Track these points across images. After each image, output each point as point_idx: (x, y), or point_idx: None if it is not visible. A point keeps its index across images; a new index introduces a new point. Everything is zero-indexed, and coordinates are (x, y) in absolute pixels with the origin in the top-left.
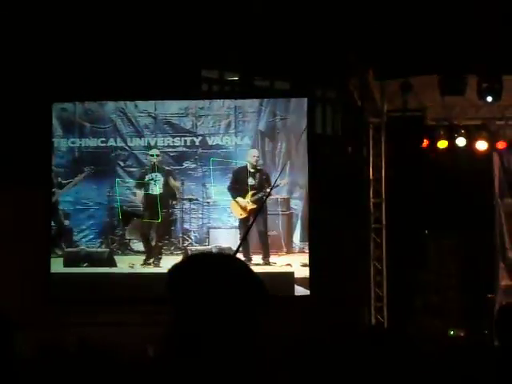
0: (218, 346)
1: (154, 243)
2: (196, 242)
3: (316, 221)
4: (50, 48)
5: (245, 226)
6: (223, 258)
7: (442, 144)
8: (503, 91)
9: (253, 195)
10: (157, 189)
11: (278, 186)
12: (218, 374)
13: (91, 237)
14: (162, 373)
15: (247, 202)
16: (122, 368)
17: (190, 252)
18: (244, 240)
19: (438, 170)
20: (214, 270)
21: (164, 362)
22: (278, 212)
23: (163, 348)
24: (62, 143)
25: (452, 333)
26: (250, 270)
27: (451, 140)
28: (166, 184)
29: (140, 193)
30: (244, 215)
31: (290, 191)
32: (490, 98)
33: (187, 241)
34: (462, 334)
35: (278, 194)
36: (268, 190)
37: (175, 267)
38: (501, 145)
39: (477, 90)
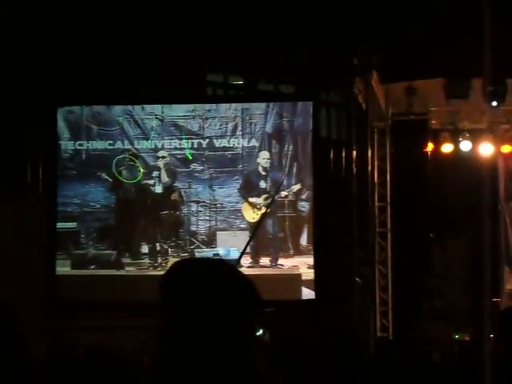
0: (210, 352)
1: (160, 245)
2: (203, 245)
3: (321, 223)
4: (57, 52)
5: (254, 228)
6: (212, 264)
7: (447, 148)
8: (508, 95)
9: (265, 199)
10: (162, 190)
11: (290, 190)
12: (211, 380)
13: (99, 239)
14: (154, 380)
15: (260, 205)
16: (127, 373)
17: (197, 254)
18: (251, 242)
19: (442, 173)
20: (203, 277)
21: (157, 370)
22: (285, 214)
23: (156, 355)
24: (68, 146)
25: (457, 337)
26: (241, 275)
27: (456, 144)
28: (172, 186)
29: (147, 195)
30: (256, 219)
31: (298, 193)
32: (494, 102)
33: (194, 243)
34: (467, 338)
35: (286, 197)
36: (280, 193)
37: (166, 275)
38: (505, 148)
39: (482, 94)
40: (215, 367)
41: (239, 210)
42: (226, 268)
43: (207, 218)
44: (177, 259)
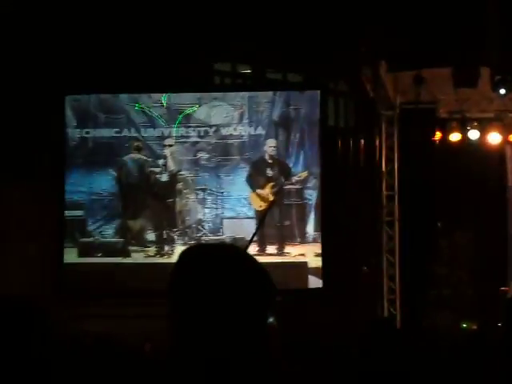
0: (223, 339)
1: (167, 233)
2: (210, 233)
3: (329, 212)
4: (64, 41)
5: (261, 216)
6: (225, 249)
7: (455, 137)
8: None
9: (273, 187)
10: (169, 178)
11: (298, 178)
12: (222, 372)
13: (106, 227)
14: (161, 372)
15: (268, 193)
16: (130, 360)
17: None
18: (258, 230)
19: (450, 162)
20: (215, 263)
21: (164, 361)
22: (291, 202)
23: (165, 345)
24: (75, 133)
25: (464, 326)
26: (254, 261)
27: (464, 133)
28: (178, 174)
29: (153, 183)
30: (263, 207)
31: (304, 181)
32: (502, 91)
33: (201, 231)
34: (474, 327)
35: (293, 185)
36: (286, 181)
37: (178, 262)
38: None
39: (490, 83)
40: (228, 354)
41: (246, 198)
42: (239, 254)
43: (214, 206)
44: (183, 247)
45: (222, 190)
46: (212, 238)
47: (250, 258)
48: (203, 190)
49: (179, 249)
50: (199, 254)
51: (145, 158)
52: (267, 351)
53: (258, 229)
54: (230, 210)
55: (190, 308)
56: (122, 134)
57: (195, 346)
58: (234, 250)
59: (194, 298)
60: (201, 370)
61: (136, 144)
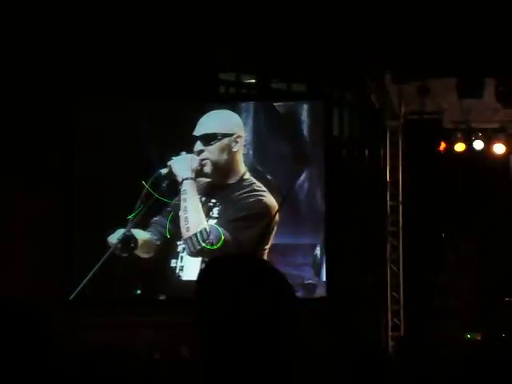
0: (242, 352)
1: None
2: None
3: (333, 221)
4: (75, 47)
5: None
6: (247, 260)
7: (460, 147)
8: None
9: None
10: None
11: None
12: (242, 380)
13: None
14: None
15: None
16: (138, 370)
17: None
18: (264, 237)
19: (455, 173)
20: (239, 273)
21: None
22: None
23: (173, 354)
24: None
25: (469, 336)
26: (277, 272)
27: (468, 143)
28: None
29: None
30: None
31: (307, 191)
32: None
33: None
34: (478, 338)
35: (296, 195)
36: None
37: (202, 271)
38: None
39: (495, 93)
40: (249, 363)
41: None
42: (262, 264)
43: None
44: (191, 257)
45: None
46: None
47: (272, 267)
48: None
49: (187, 259)
50: (224, 264)
51: None
52: (287, 363)
53: (264, 235)
54: None
55: (214, 318)
56: None
57: (219, 356)
58: (258, 261)
59: (218, 308)
60: (225, 379)
61: None
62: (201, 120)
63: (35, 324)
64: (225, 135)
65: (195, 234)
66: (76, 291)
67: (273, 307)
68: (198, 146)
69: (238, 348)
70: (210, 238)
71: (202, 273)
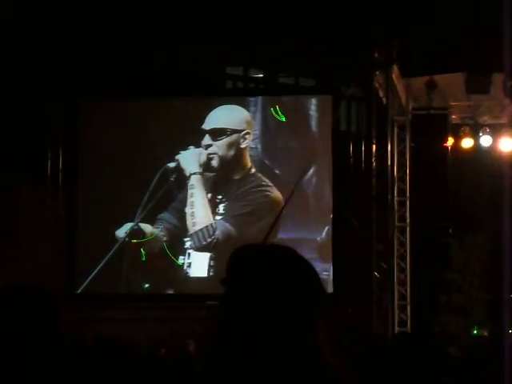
0: (269, 343)
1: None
2: None
3: (340, 217)
4: (78, 46)
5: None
6: (278, 249)
7: (467, 142)
8: None
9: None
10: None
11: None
12: (268, 373)
13: None
14: (211, 371)
15: None
16: (144, 365)
17: None
18: (270, 231)
19: (462, 168)
20: (268, 261)
21: (213, 359)
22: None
23: (212, 343)
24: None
25: (475, 332)
26: (307, 263)
27: (476, 138)
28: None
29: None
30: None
31: (315, 186)
32: None
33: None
34: (485, 333)
35: (304, 190)
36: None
37: (232, 257)
38: None
39: (502, 89)
40: (277, 354)
41: None
42: (292, 255)
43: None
44: (196, 252)
45: None
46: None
47: (302, 258)
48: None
49: (194, 254)
50: (253, 253)
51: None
52: (317, 352)
53: (273, 224)
54: None
55: (242, 305)
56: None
57: (242, 344)
58: (289, 251)
59: (245, 296)
60: (247, 367)
61: None
62: (210, 114)
63: (49, 309)
64: (234, 131)
65: (201, 230)
66: (84, 285)
67: (302, 297)
68: (207, 139)
69: (262, 335)
70: (216, 233)
71: (234, 261)
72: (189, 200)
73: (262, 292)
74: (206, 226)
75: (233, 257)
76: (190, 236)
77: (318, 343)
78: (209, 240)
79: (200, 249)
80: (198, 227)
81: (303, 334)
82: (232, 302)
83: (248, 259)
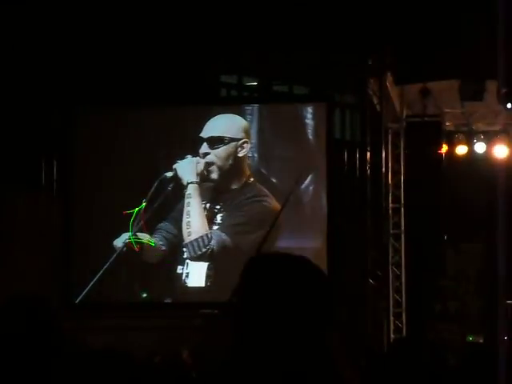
0: (281, 347)
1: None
2: None
3: (335, 224)
4: (73, 52)
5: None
6: (291, 257)
7: (461, 149)
8: None
9: None
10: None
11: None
12: (280, 374)
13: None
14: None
15: None
16: (138, 373)
17: None
18: (266, 241)
19: (456, 175)
20: (282, 269)
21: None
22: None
23: (207, 351)
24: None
25: (471, 338)
26: (321, 272)
27: (470, 145)
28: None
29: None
30: None
31: (312, 195)
32: (509, 104)
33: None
34: (480, 340)
35: (300, 198)
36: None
37: (246, 266)
38: None
39: (496, 96)
40: (290, 363)
41: None
42: (306, 263)
43: None
44: (196, 264)
45: None
46: None
47: (315, 267)
48: None
49: (191, 263)
50: (267, 262)
51: None
52: (330, 361)
53: (269, 231)
54: None
55: (255, 314)
56: None
57: (257, 353)
58: (303, 260)
59: (260, 305)
60: (261, 376)
61: None
62: (208, 122)
63: (48, 319)
64: (232, 139)
65: (196, 239)
66: (82, 294)
67: (315, 306)
68: (204, 148)
69: (275, 344)
70: (211, 243)
71: (248, 270)
72: (185, 209)
73: (279, 302)
74: (201, 236)
75: (247, 266)
76: (185, 246)
77: (333, 355)
78: (204, 250)
79: (195, 258)
80: (193, 237)
81: (318, 344)
82: (248, 311)
83: (263, 269)
